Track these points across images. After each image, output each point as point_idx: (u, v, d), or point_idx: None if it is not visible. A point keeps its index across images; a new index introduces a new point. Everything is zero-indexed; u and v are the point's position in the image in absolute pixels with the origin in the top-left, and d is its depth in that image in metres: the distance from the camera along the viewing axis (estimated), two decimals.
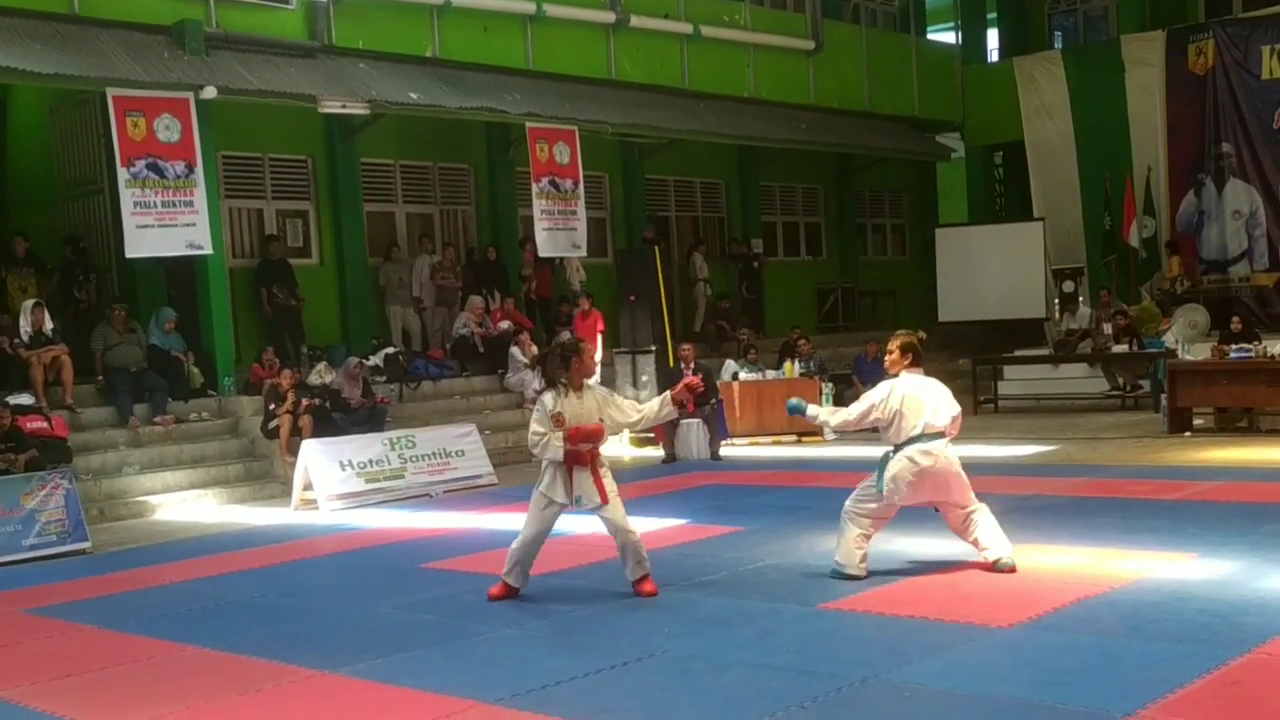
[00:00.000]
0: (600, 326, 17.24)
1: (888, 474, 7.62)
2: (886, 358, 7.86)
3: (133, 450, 13.63)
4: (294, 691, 6.13)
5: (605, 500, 7.62)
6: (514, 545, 7.84)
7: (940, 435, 7.60)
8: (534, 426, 7.67)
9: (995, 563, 7.65)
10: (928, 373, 7.88)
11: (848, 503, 7.83)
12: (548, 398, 7.65)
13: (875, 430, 7.78)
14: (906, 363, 7.72)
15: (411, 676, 6.18)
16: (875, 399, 7.68)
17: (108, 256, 15.58)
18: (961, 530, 7.85)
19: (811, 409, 8.00)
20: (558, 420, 7.53)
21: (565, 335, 18.04)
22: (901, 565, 8.12)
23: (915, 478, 7.56)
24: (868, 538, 7.78)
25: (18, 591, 9.25)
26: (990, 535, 7.71)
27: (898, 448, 7.62)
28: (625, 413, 7.87)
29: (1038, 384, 19.06)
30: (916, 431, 7.55)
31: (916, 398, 7.60)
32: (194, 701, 6.00)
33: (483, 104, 16.92)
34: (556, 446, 7.51)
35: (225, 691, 6.15)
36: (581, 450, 7.58)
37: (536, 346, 17.14)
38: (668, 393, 7.91)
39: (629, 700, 5.61)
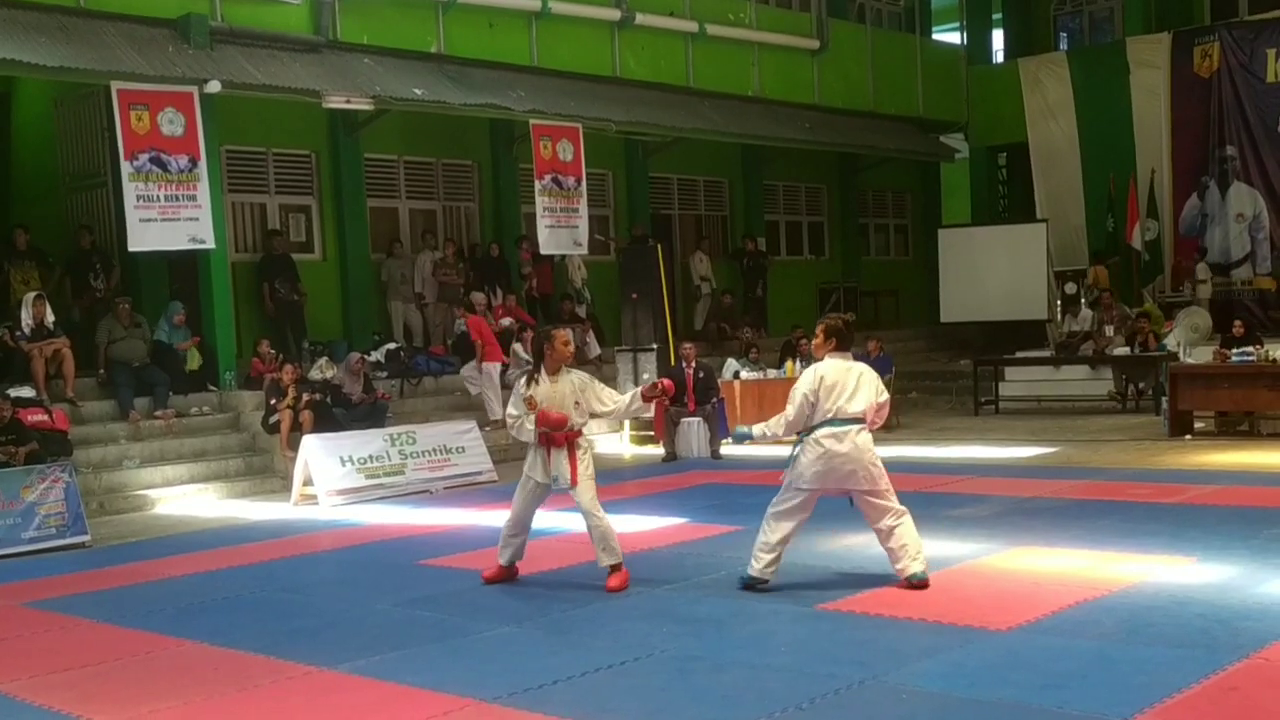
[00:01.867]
0: (483, 329, 16.25)
1: (796, 460, 7.48)
2: (812, 342, 7.77)
3: (133, 444, 13.64)
4: (292, 688, 6.13)
5: (575, 482, 7.83)
6: (504, 524, 8.28)
7: (855, 421, 7.36)
8: (510, 409, 8.14)
9: (908, 578, 7.39)
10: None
11: (771, 502, 7.67)
12: (522, 381, 8.01)
13: None
14: (830, 346, 7.55)
15: (409, 673, 6.18)
16: (804, 389, 7.47)
17: (111, 250, 15.58)
18: (879, 533, 7.54)
19: (757, 428, 7.85)
20: (530, 403, 7.86)
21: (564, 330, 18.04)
22: None
23: (821, 463, 7.35)
24: (784, 542, 7.56)
25: (16, 584, 9.25)
26: (906, 547, 7.42)
27: (809, 431, 7.44)
28: (602, 401, 8.09)
29: (1039, 385, 19.04)
30: (828, 415, 7.35)
31: (834, 381, 7.39)
32: (192, 697, 6.01)
33: (487, 100, 16.92)
34: (529, 429, 7.88)
35: (223, 687, 6.15)
36: (554, 434, 7.83)
37: None
38: (639, 389, 8.22)
39: (627, 700, 5.61)
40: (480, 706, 5.59)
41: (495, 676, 6.04)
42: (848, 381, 7.41)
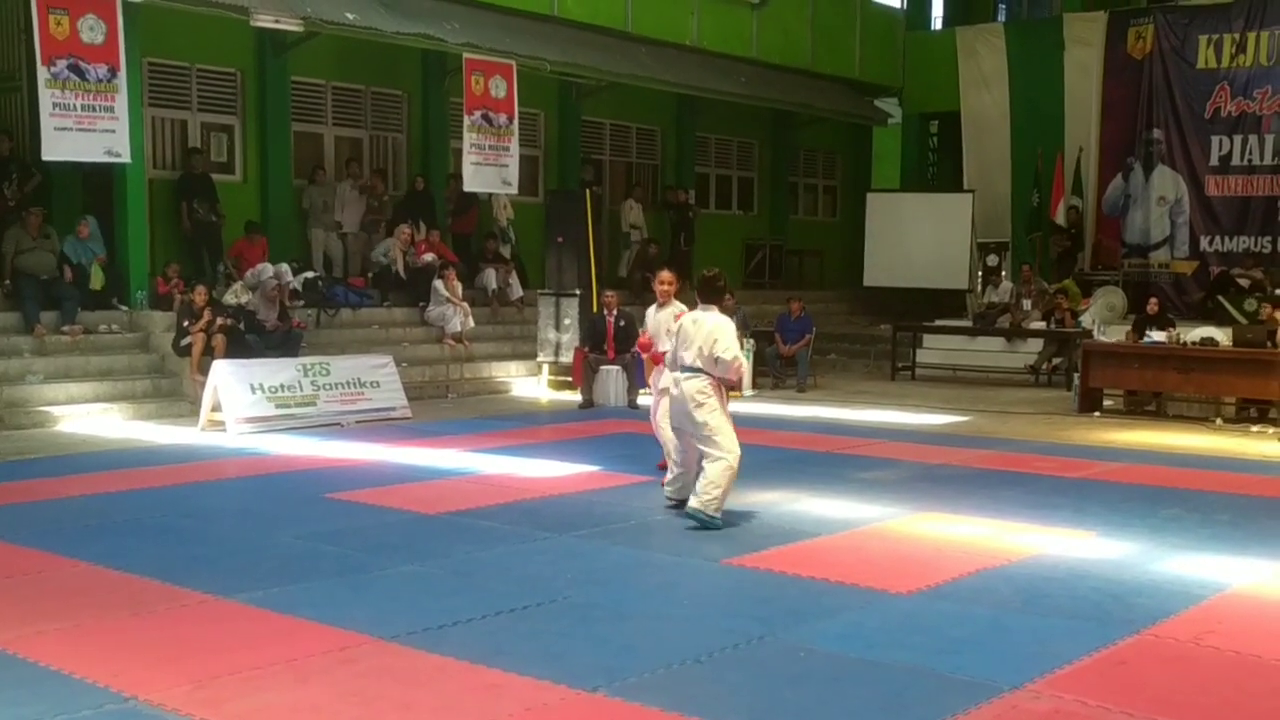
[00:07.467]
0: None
1: None
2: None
3: (37, 359, 13.29)
4: (186, 615, 6.03)
5: None
6: None
7: (690, 370, 8.06)
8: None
9: (688, 510, 8.04)
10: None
11: None
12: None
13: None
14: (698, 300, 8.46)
15: (307, 607, 6.10)
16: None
17: (28, 158, 15.09)
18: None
19: None
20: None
21: (489, 272, 17.91)
22: (808, 526, 8.17)
23: (669, 401, 8.40)
24: (674, 462, 8.61)
25: None
26: (699, 484, 8.02)
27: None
28: None
29: (955, 355, 19.26)
30: (679, 362, 8.18)
31: (683, 333, 8.23)
32: (82, 619, 5.88)
33: (420, 30, 16.61)
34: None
35: (115, 611, 6.03)
36: None
37: (460, 283, 16.95)
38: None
39: (525, 644, 5.58)
40: (377, 644, 5.53)
41: (394, 614, 5.98)
42: (693, 334, 8.15)
